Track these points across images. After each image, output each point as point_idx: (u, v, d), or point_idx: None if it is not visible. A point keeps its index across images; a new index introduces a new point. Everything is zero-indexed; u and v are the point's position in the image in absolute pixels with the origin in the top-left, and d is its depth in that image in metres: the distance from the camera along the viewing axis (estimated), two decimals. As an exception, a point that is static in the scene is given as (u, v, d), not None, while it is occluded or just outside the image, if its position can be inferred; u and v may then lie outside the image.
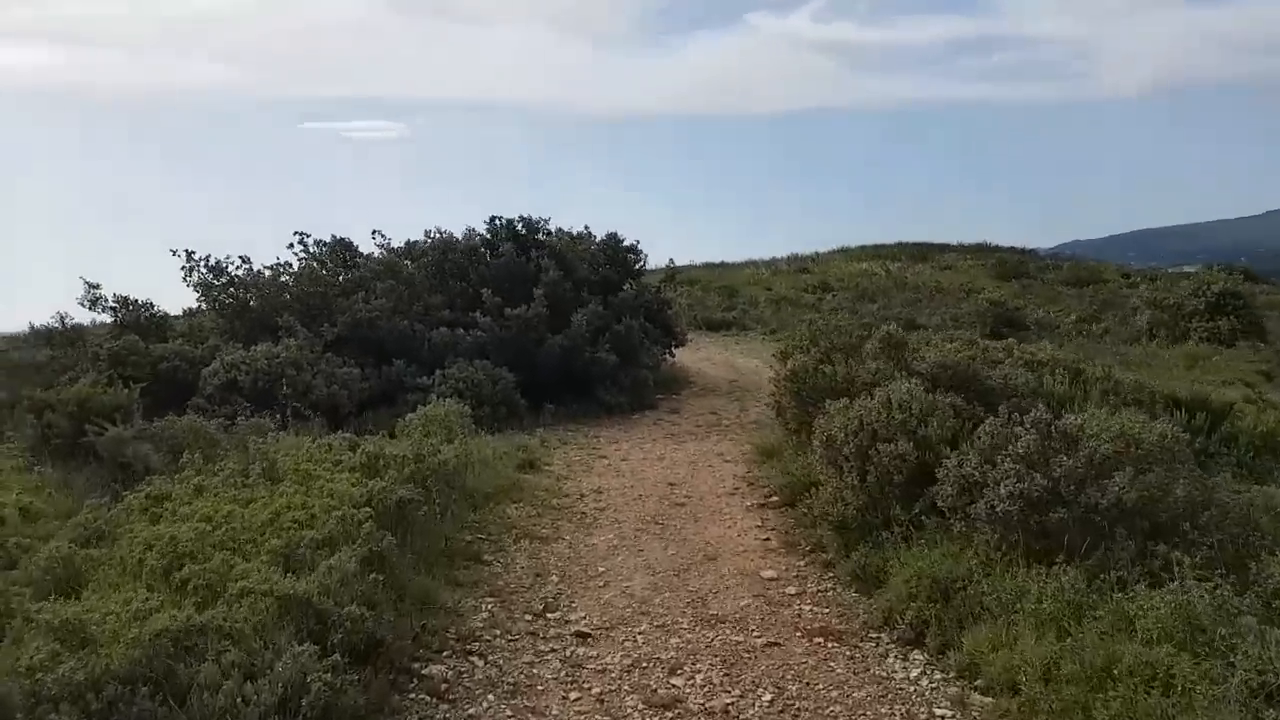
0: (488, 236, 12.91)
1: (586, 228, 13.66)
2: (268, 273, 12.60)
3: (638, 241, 13.41)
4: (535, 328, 11.41)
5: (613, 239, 13.38)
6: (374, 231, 13.45)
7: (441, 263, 12.33)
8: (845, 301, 21.92)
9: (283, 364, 10.59)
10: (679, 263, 14.00)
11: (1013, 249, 34.50)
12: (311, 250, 13.21)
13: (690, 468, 8.18)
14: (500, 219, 12.85)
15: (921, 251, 34.01)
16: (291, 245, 13.10)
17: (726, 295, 24.01)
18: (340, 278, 12.93)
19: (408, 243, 13.16)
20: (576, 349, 11.37)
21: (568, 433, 10.24)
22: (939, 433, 5.05)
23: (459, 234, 12.92)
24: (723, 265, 32.16)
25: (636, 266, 13.48)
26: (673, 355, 13.95)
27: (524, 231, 12.80)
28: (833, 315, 15.61)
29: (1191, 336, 14.23)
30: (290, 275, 12.55)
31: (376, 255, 13.06)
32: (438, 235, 12.62)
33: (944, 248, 34.87)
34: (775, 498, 6.67)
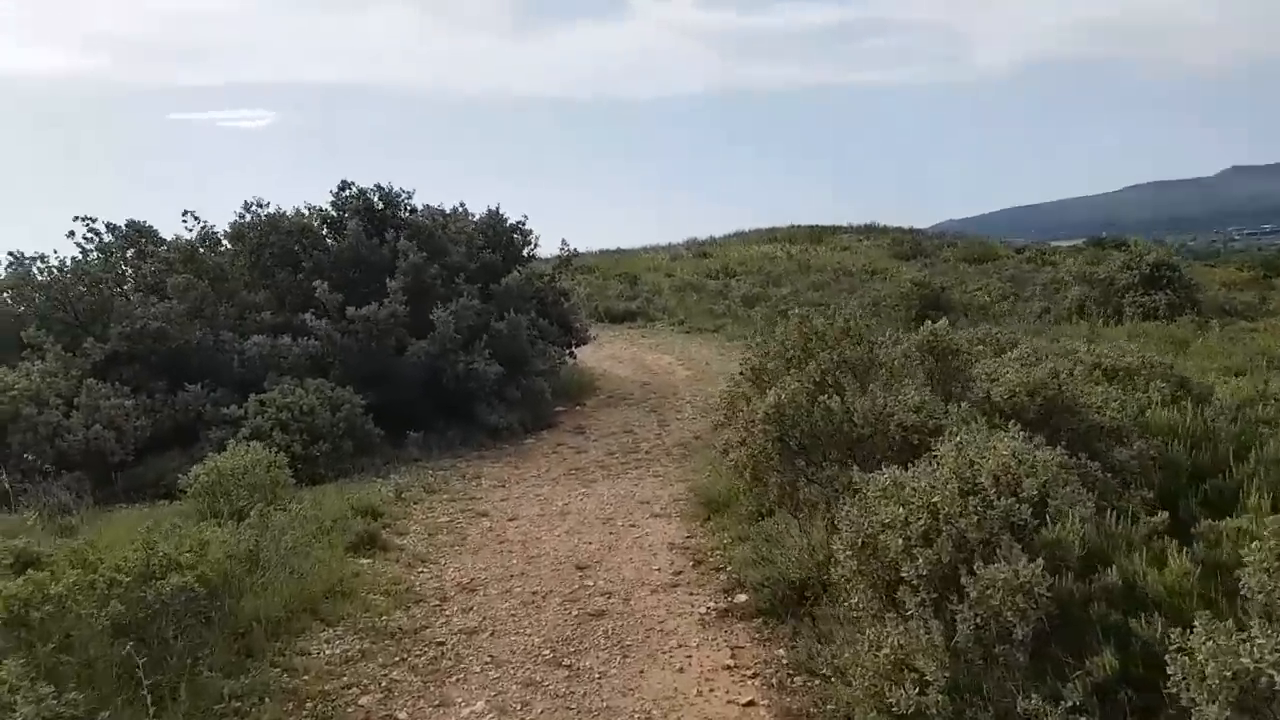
0: (332, 213, 9.69)
1: (461, 204, 10.67)
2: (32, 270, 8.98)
3: (525, 219, 10.55)
4: (391, 331, 8.40)
5: (494, 216, 10.45)
6: (185, 213, 9.90)
7: (261, 248, 9.05)
8: (754, 286, 19.78)
9: (16, 399, 7.14)
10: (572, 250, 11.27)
11: (900, 229, 33.75)
12: (106, 240, 9.59)
13: (606, 530, 5.51)
14: (351, 186, 9.65)
15: (816, 233, 32.69)
16: (72, 233, 9.45)
17: (628, 283, 21.45)
18: (131, 274, 9.43)
19: (232, 225, 9.72)
20: (447, 357, 8.45)
21: (439, 473, 7.35)
22: (1078, 533, 2.60)
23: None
24: (619, 252, 29.62)
25: (525, 250, 10.61)
26: (573, 356, 11.23)
27: (380, 206, 9.67)
28: (830, 300, 12.96)
29: (1126, 313, 12.89)
30: (53, 272, 8.93)
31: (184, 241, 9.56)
32: (258, 211, 9.28)
33: (835, 229, 33.72)
34: (745, 596, 4.11)
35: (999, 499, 2.64)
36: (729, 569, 4.47)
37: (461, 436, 8.29)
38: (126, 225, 9.77)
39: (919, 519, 2.64)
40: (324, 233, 9.67)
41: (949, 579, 2.57)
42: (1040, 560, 2.47)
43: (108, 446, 7.26)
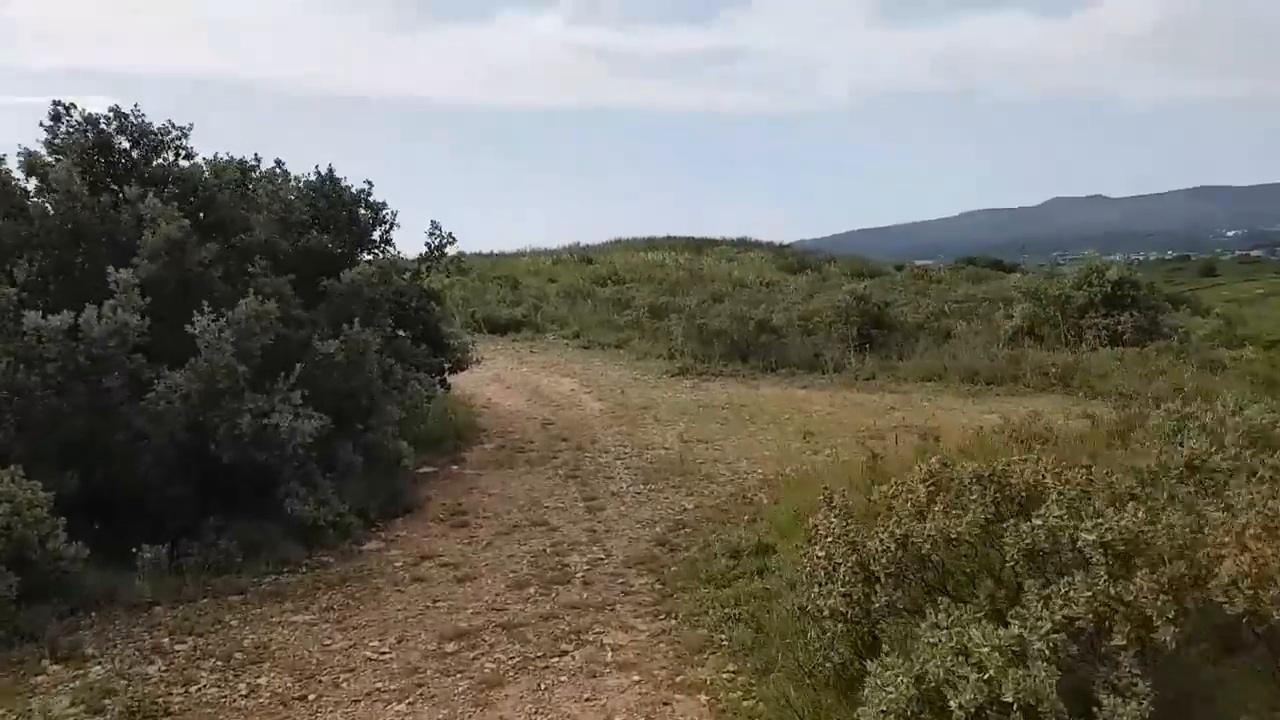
0: (46, 157, 5.41)
1: (278, 162, 6.64)
2: None
3: (370, 185, 6.69)
4: (114, 359, 4.38)
5: (328, 181, 6.53)
6: None
7: None
8: (655, 295, 16.66)
9: None
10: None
11: (771, 244, 32.50)
12: None
13: None
14: (73, 112, 5.41)
15: (696, 244, 30.63)
16: None
17: (509, 287, 17.69)
18: None
19: None
20: (220, 402, 4.55)
21: (182, 646, 3.55)
22: None
23: None
24: (494, 255, 25.78)
25: (377, 233, 6.78)
26: (446, 386, 7.53)
27: (125, 145, 5.52)
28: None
29: (1087, 337, 11.03)
30: None
31: None
32: None
33: (713, 241, 31.91)
34: None
35: None
36: None
37: (247, 545, 4.44)
38: None
39: None
40: (30, 185, 5.38)
41: None
42: None
43: None
